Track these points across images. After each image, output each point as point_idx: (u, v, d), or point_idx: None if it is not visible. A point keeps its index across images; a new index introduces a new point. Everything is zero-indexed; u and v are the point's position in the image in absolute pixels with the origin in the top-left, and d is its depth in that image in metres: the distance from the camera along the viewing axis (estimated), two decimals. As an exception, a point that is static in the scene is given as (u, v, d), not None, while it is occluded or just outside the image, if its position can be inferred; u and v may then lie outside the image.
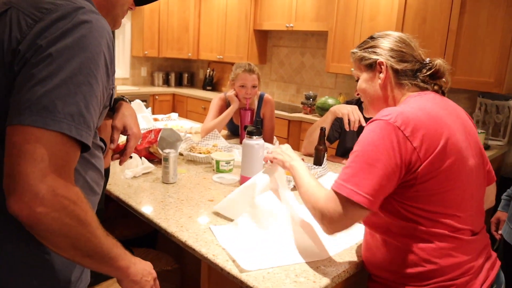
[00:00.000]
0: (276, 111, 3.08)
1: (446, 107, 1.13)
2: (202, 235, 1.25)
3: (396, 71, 1.17)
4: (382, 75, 1.18)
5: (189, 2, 5.32)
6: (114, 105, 1.20)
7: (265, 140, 2.10)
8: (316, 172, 1.84)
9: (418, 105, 1.07)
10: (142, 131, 2.12)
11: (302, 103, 4.03)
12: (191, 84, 6.01)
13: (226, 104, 2.64)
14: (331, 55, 3.80)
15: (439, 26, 3.03)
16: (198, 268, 1.27)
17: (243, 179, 1.69)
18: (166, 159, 1.67)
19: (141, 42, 5.20)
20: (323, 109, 3.65)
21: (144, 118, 2.63)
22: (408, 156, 0.98)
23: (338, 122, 2.29)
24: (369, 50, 1.22)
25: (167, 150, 1.70)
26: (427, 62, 1.19)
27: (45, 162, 0.66)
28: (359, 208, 0.98)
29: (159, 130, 1.97)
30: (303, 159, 2.08)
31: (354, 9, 3.57)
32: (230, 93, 2.54)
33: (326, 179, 1.84)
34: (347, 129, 2.17)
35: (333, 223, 1.02)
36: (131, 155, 1.71)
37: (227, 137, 2.67)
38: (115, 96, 1.03)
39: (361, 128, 1.92)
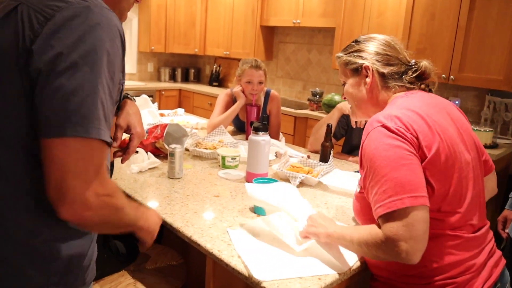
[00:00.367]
0: (282, 108, 3.07)
1: (435, 105, 1.12)
2: (207, 231, 1.25)
3: (382, 75, 1.17)
4: (368, 80, 1.18)
5: (196, -3, 5.32)
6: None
7: (271, 137, 2.10)
8: (322, 169, 1.84)
9: (406, 106, 1.07)
10: (149, 126, 2.13)
11: (308, 99, 4.02)
12: (198, 79, 6.01)
13: (232, 100, 2.63)
14: (338, 52, 3.78)
15: (448, 23, 3.00)
16: (203, 263, 1.27)
17: (249, 175, 1.69)
18: (172, 154, 1.68)
19: (147, 37, 5.21)
20: (329, 106, 3.63)
21: (150, 113, 2.64)
22: (414, 142, 0.99)
23: (344, 119, 2.28)
24: (355, 54, 1.22)
25: (173, 145, 1.70)
26: (413, 64, 1.19)
27: (88, 173, 0.72)
28: (420, 210, 0.92)
29: (165, 125, 1.98)
30: (309, 156, 2.08)
31: (362, 5, 3.55)
32: (237, 89, 2.54)
33: (332, 176, 1.83)
34: (354, 126, 2.17)
35: (407, 240, 0.91)
36: (137, 150, 1.71)
37: (233, 133, 2.67)
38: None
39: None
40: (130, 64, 5.46)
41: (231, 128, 2.80)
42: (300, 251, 1.13)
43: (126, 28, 5.35)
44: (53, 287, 0.80)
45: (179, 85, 5.50)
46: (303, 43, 4.55)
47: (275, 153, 2.15)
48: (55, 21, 0.72)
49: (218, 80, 5.58)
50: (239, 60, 3.36)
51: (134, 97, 1.31)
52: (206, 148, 2.06)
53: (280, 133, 2.72)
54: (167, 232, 1.91)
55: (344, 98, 1.30)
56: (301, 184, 1.74)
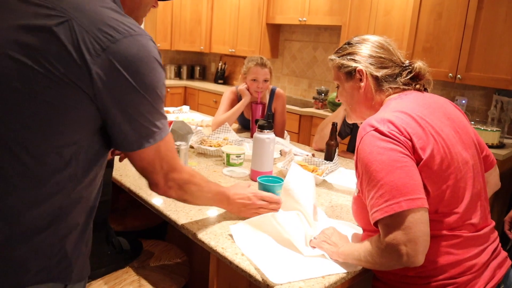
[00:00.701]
0: (287, 106, 3.07)
1: (429, 105, 1.11)
2: (211, 228, 1.25)
3: (376, 78, 1.16)
4: (362, 84, 1.17)
5: (202, -5, 5.32)
6: None
7: (276, 135, 2.09)
8: (327, 168, 1.83)
9: (399, 108, 1.06)
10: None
11: (313, 98, 4.01)
12: (203, 77, 6.01)
13: (237, 98, 2.63)
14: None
15: (456, 21, 2.97)
16: (207, 260, 1.27)
17: (253, 173, 1.69)
18: (177, 151, 1.68)
19: (153, 34, 5.21)
20: (334, 104, 3.62)
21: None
22: (408, 145, 0.98)
23: (350, 117, 2.27)
24: (348, 57, 1.21)
25: (178, 143, 1.71)
26: (407, 65, 1.18)
27: (164, 169, 0.94)
28: (417, 212, 0.92)
29: (170, 122, 1.98)
30: (313, 154, 2.08)
31: (369, 4, 3.53)
32: (242, 86, 2.54)
33: (337, 175, 1.83)
34: (359, 125, 2.15)
35: (407, 243, 0.90)
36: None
37: (238, 131, 2.66)
38: None
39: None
40: (136, 61, 5.47)
41: (236, 125, 2.80)
42: (307, 255, 1.13)
43: (132, 25, 5.36)
44: (52, 282, 0.82)
45: (184, 82, 5.51)
46: (309, 41, 4.54)
47: (280, 151, 2.15)
48: (114, 52, 0.76)
49: (224, 78, 5.58)
50: (244, 57, 3.36)
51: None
52: (211, 146, 2.07)
53: (285, 131, 2.72)
54: (171, 229, 1.91)
55: (338, 100, 1.29)
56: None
